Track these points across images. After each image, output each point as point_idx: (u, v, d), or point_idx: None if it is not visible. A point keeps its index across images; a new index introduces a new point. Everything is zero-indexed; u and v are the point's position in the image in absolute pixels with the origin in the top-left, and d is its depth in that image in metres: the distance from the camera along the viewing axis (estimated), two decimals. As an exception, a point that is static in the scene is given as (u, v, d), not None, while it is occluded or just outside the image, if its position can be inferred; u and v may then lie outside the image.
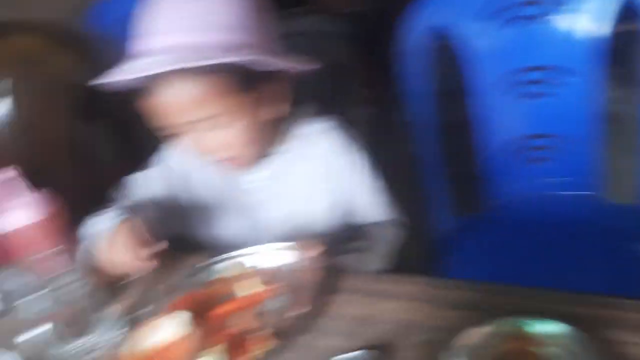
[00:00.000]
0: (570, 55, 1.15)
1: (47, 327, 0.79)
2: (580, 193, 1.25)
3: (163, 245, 0.85)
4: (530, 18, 1.15)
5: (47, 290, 0.79)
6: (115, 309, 0.85)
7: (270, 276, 0.84)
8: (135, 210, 0.93)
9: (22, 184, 0.82)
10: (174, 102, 0.82)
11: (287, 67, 0.87)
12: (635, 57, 1.21)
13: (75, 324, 0.81)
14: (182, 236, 1.04)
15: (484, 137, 1.26)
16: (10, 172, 0.80)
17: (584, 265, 1.10)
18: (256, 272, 0.85)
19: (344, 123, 1.00)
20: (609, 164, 1.23)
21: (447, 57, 1.19)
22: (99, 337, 0.82)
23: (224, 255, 0.89)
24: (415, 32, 1.18)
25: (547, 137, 1.24)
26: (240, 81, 0.83)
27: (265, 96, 0.88)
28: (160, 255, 0.84)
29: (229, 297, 0.82)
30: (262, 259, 0.87)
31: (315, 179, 0.98)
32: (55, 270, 0.81)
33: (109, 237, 0.85)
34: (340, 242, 0.93)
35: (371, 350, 0.67)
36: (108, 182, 1.03)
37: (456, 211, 1.31)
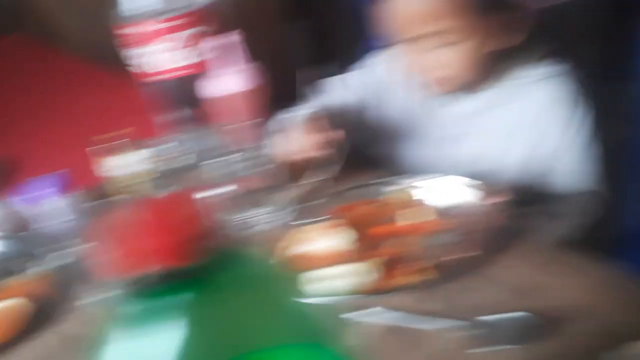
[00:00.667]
0: None
1: (228, 189, 0.84)
2: None
3: (341, 134, 0.86)
4: None
5: (235, 157, 0.84)
6: (287, 194, 0.88)
7: (445, 210, 0.80)
8: (325, 111, 0.94)
9: (241, 51, 0.85)
10: (410, 10, 0.80)
11: None
12: None
13: (249, 196, 0.85)
14: (362, 150, 1.03)
15: None
16: (234, 37, 0.84)
17: None
18: (422, 204, 0.82)
19: (575, 73, 0.89)
20: None
21: None
22: (265, 215, 0.85)
23: (398, 177, 0.87)
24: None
25: None
26: (481, 0, 0.78)
27: (500, 23, 0.82)
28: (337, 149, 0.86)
29: (391, 219, 0.81)
30: (441, 190, 0.83)
31: (520, 126, 0.90)
32: (248, 141, 0.85)
33: (293, 125, 0.88)
34: (529, 199, 0.86)
35: (534, 316, 0.62)
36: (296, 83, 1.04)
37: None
